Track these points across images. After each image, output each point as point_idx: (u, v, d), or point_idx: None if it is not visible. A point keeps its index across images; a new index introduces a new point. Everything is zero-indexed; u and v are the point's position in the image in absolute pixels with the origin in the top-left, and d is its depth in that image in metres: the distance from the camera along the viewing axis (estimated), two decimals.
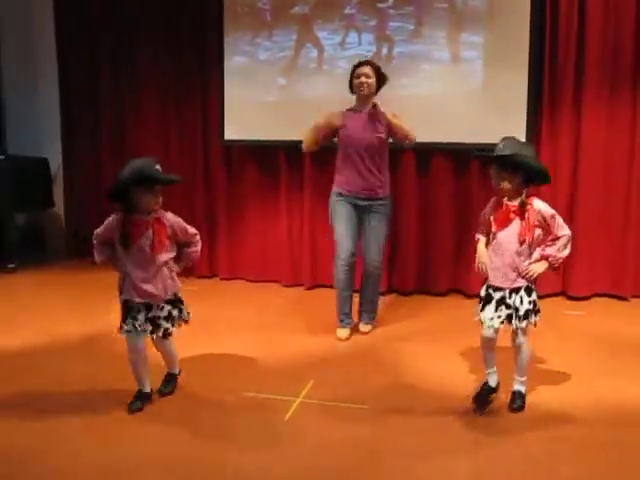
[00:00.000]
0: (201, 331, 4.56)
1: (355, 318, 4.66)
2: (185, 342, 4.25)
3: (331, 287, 5.70)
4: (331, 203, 4.51)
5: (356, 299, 4.68)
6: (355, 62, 4.47)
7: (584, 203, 5.40)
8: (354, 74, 4.37)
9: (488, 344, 3.28)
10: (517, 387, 3.34)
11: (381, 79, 4.40)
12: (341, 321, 4.56)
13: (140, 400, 3.35)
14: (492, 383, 3.34)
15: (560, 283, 5.56)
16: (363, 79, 4.33)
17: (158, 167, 3.26)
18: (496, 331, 3.24)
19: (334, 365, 3.99)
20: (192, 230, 3.43)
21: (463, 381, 3.66)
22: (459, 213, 5.55)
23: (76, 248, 6.61)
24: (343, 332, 4.52)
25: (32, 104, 6.90)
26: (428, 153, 5.55)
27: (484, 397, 3.31)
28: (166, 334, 3.37)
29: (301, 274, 5.97)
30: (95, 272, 6.07)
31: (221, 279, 6.22)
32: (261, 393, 3.51)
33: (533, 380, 3.67)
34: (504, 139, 3.20)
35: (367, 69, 4.35)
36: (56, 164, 6.82)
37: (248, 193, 6.10)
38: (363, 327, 4.63)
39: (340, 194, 4.45)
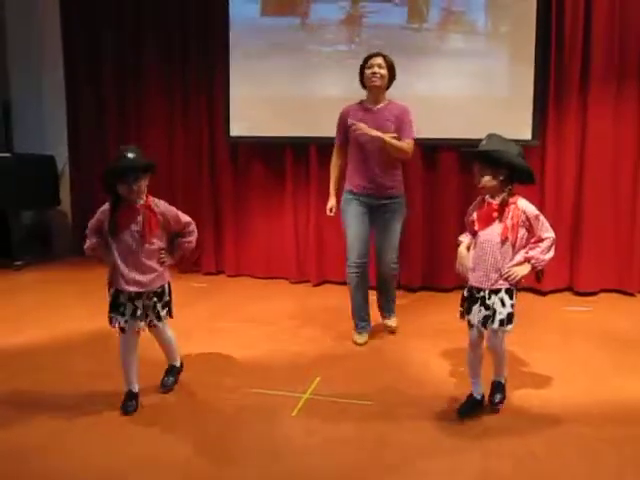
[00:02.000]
0: (207, 327, 4.58)
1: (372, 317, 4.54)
2: (191, 338, 4.28)
3: (338, 283, 5.73)
4: (342, 202, 4.39)
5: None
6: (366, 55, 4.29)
7: (591, 199, 5.39)
8: (366, 65, 4.21)
9: (475, 347, 3.20)
10: (495, 378, 3.28)
11: (392, 74, 4.25)
12: (357, 326, 4.39)
13: (133, 399, 3.28)
14: (477, 395, 3.26)
15: (567, 279, 5.56)
16: (376, 69, 4.16)
17: (130, 155, 3.13)
18: (481, 334, 3.16)
19: (341, 361, 3.99)
20: (185, 218, 3.35)
21: (469, 378, 3.65)
22: (465, 209, 5.51)
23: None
24: (360, 338, 4.34)
25: (38, 102, 6.91)
26: (434, 149, 5.55)
27: (469, 410, 3.22)
28: (151, 324, 3.30)
29: (308, 271, 5.97)
30: (101, 270, 6.08)
31: (227, 276, 6.23)
32: (268, 389, 3.51)
33: (539, 376, 3.68)
34: (488, 135, 3.13)
35: (380, 60, 4.18)
36: (62, 162, 6.84)
37: (254, 190, 6.11)
38: (391, 322, 4.54)
39: (351, 192, 4.32)
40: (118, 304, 3.24)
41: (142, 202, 3.22)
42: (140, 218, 3.20)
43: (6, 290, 5.66)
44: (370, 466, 2.77)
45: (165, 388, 3.49)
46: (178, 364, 3.61)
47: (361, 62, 4.28)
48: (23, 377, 3.68)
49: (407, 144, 4.21)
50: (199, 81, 6.14)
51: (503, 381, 3.31)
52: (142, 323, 3.27)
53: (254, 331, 4.54)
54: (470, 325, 3.17)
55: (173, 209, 3.32)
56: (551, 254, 3.08)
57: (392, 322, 4.57)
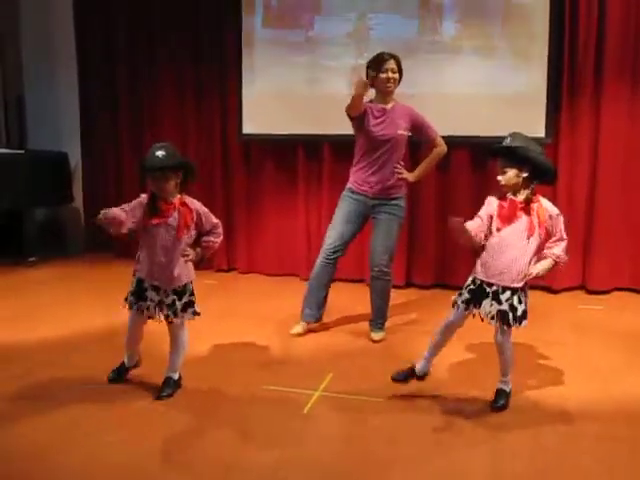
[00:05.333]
0: (219, 325, 4.58)
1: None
2: (204, 336, 4.28)
3: (350, 281, 5.72)
4: (340, 197, 4.38)
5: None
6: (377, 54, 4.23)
7: (604, 197, 5.36)
8: (381, 69, 4.12)
9: (451, 331, 3.33)
10: (500, 385, 3.27)
11: (401, 76, 4.21)
12: (301, 314, 4.43)
13: (117, 372, 3.55)
14: (418, 370, 3.37)
15: (580, 277, 5.53)
16: (390, 74, 4.11)
17: (160, 153, 3.16)
18: (461, 320, 3.26)
19: (353, 359, 3.99)
20: (215, 220, 3.41)
21: (480, 376, 3.64)
22: (477, 207, 5.49)
23: (95, 242, 6.67)
24: (298, 327, 4.39)
25: (51, 99, 6.94)
26: (447, 147, 5.52)
27: (402, 378, 3.38)
28: (169, 319, 3.33)
29: None
30: (114, 266, 6.16)
31: (239, 273, 6.24)
32: (280, 386, 3.52)
33: (552, 374, 3.68)
34: (512, 134, 3.15)
35: (392, 64, 4.12)
36: (75, 159, 6.86)
37: (266, 188, 6.11)
38: (374, 335, 4.34)
39: (351, 190, 4.30)
40: (139, 291, 3.32)
41: (175, 199, 3.27)
42: (175, 214, 3.25)
43: (19, 287, 5.68)
44: (382, 463, 2.77)
45: (159, 400, 3.35)
46: (176, 377, 3.46)
47: (372, 61, 4.21)
48: (36, 373, 3.70)
49: (439, 140, 4.44)
50: (212, 79, 6.13)
51: (508, 390, 3.27)
52: (158, 315, 3.33)
53: (265, 328, 4.54)
54: (456, 307, 3.27)
55: (206, 208, 3.38)
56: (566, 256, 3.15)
57: (376, 336, 4.34)
